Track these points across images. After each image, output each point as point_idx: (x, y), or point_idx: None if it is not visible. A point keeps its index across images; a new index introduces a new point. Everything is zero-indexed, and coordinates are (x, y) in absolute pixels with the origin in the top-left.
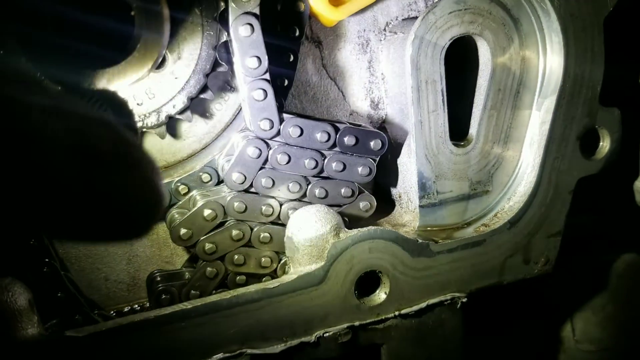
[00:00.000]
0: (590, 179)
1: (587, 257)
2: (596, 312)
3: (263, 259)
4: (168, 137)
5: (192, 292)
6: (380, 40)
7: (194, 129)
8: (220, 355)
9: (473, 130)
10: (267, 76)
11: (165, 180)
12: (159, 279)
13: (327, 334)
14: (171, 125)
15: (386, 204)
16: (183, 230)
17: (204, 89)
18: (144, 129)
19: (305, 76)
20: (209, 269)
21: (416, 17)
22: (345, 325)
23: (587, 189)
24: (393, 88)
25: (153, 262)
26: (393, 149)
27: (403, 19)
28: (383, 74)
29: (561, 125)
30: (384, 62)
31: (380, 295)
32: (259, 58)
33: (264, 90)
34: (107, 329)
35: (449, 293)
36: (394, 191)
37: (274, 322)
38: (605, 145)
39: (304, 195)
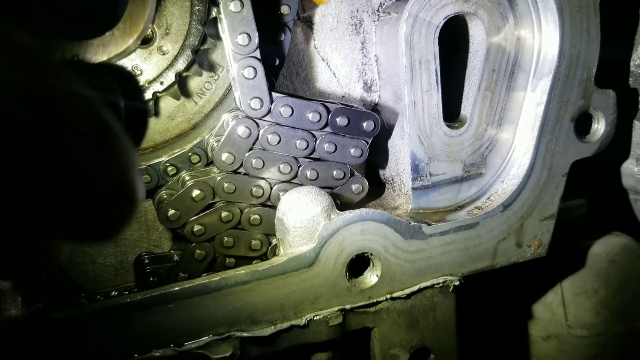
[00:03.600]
0: (584, 161)
1: (580, 240)
2: (589, 297)
3: (253, 242)
4: (155, 118)
5: (181, 274)
6: (374, 21)
7: (182, 109)
8: (208, 338)
9: (467, 111)
10: (258, 54)
11: (154, 161)
12: (146, 261)
13: (318, 317)
14: (159, 104)
15: (378, 187)
16: (171, 211)
17: (192, 65)
18: None
19: (297, 57)
20: (197, 251)
21: None
22: (336, 309)
23: (580, 171)
24: (386, 70)
25: (141, 246)
26: (385, 131)
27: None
28: (376, 55)
29: (556, 107)
30: (377, 44)
31: (372, 278)
32: (249, 35)
33: (254, 68)
34: (92, 311)
35: (442, 276)
36: (386, 174)
37: (264, 304)
38: (599, 127)
39: (295, 176)
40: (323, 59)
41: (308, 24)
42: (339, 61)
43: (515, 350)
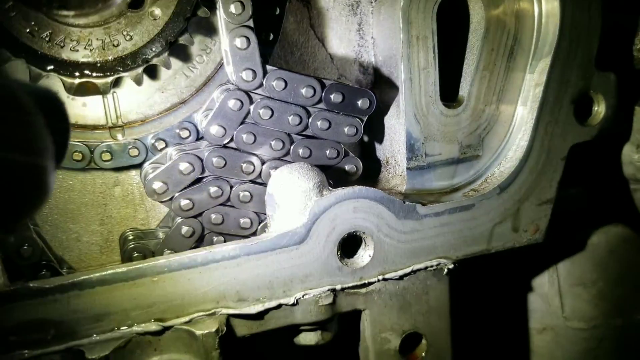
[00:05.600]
0: (584, 146)
1: (578, 230)
2: (587, 288)
3: (242, 220)
4: (145, 88)
5: (166, 251)
6: (371, 2)
7: (173, 82)
8: (194, 314)
9: (464, 91)
10: (251, 23)
11: (142, 135)
12: (131, 237)
13: (307, 296)
14: (149, 74)
15: (373, 170)
16: (158, 184)
17: (183, 33)
18: (120, 73)
19: (292, 36)
20: (184, 227)
21: None
22: (326, 288)
23: (580, 160)
24: (383, 52)
25: (128, 224)
26: (381, 112)
27: None
28: (373, 37)
29: (555, 88)
30: (374, 25)
31: (364, 257)
32: (242, 3)
33: (247, 38)
34: (74, 282)
35: (435, 259)
36: (380, 156)
37: (252, 281)
38: (600, 110)
39: (287, 154)
40: (319, 39)
41: (304, 2)
42: (335, 42)
43: (509, 344)
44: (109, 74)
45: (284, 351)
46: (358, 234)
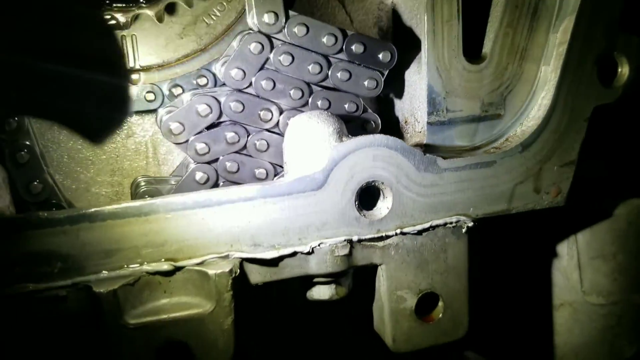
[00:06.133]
0: (606, 110)
1: (597, 199)
2: (607, 261)
3: (257, 170)
4: (164, 32)
5: None
6: None
7: (193, 28)
8: (207, 256)
9: (487, 47)
10: None
11: (160, 80)
12: (143, 183)
13: (323, 245)
14: (169, 15)
15: (390, 131)
16: (175, 124)
17: None
18: (143, 8)
19: None
20: (199, 173)
21: None
22: (342, 238)
23: (600, 127)
24: (404, 5)
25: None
26: (400, 69)
27: None
28: (393, 2)
29: (579, 48)
30: None
31: (382, 209)
32: None
33: None
34: (86, 213)
35: (455, 215)
36: (399, 116)
37: (267, 226)
38: (624, 72)
39: (305, 104)
40: (339, 0)
41: None
42: (355, 4)
43: (526, 319)
44: (131, 5)
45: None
46: (377, 184)
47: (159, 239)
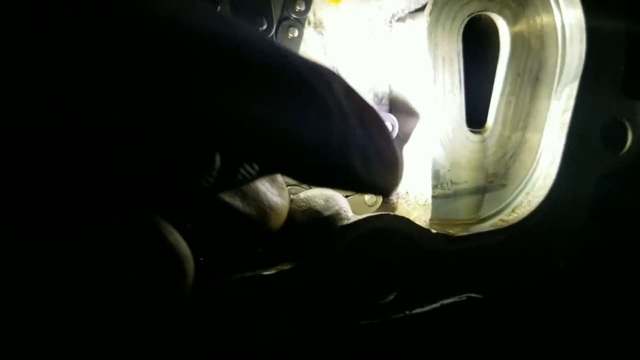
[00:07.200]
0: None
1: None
2: None
3: None
4: None
5: None
6: (389, 29)
7: None
8: None
9: (490, 117)
10: None
11: None
12: None
13: None
14: None
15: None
16: None
17: None
18: None
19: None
20: None
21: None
22: None
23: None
24: (401, 76)
25: None
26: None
27: (410, 12)
28: (389, 62)
29: (584, 114)
30: (390, 52)
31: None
32: None
33: None
34: None
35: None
36: (399, 188)
37: None
38: (629, 139)
39: None
40: (333, 66)
41: (319, 30)
42: (349, 69)
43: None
44: None
45: None
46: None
47: None
